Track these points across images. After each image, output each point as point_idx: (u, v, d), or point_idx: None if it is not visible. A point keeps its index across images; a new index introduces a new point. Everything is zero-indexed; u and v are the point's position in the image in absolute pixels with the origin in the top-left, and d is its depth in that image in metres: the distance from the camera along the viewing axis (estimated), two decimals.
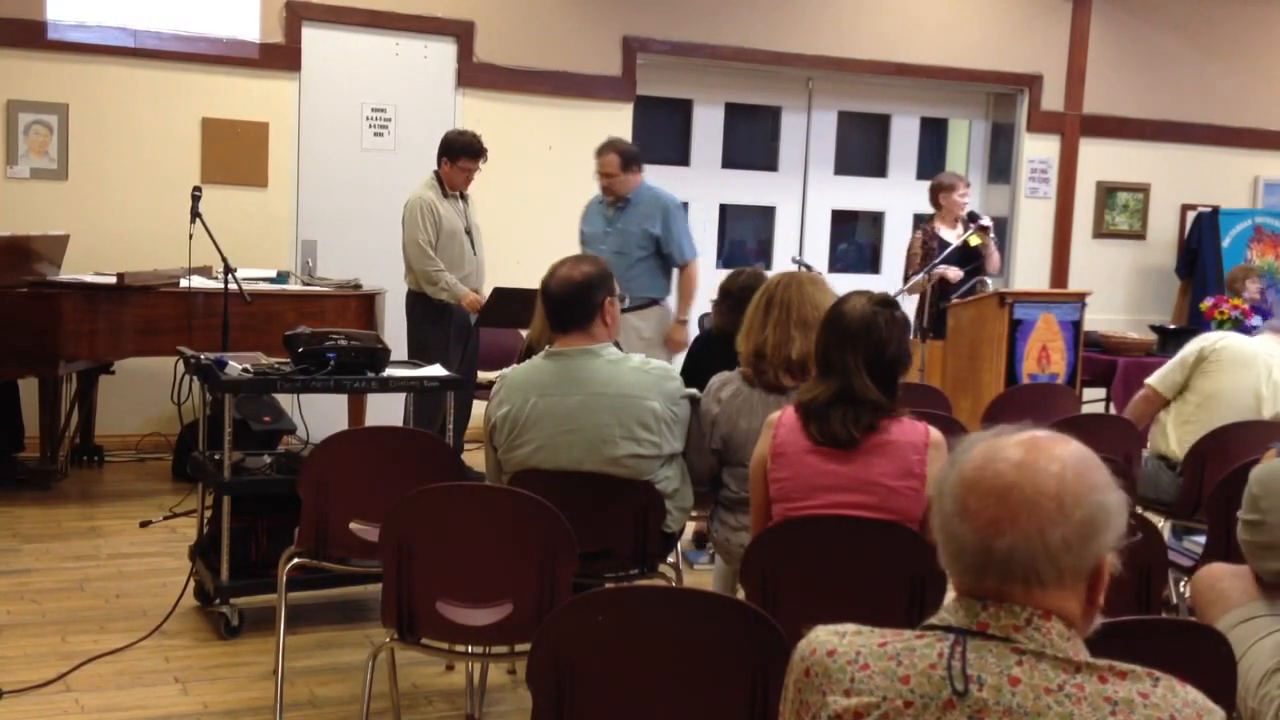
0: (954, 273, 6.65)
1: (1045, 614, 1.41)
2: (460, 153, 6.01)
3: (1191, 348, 4.70)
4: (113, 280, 5.63)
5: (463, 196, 6.17)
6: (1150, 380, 4.76)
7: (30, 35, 6.38)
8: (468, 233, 6.10)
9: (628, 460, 3.23)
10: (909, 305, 6.84)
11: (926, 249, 6.77)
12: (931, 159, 8.98)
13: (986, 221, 6.85)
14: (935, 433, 2.91)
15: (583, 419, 3.20)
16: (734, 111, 8.37)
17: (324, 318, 5.85)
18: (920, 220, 8.52)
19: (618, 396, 3.21)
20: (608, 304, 3.28)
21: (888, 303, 2.93)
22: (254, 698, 3.62)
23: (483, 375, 6.39)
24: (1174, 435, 4.61)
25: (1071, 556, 1.40)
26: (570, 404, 3.21)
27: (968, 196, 6.95)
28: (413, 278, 6.05)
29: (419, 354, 5.66)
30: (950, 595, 1.51)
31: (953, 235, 6.77)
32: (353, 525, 3.41)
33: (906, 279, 6.82)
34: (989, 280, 6.64)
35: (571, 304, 3.25)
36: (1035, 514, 1.39)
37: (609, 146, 6.11)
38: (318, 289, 6.21)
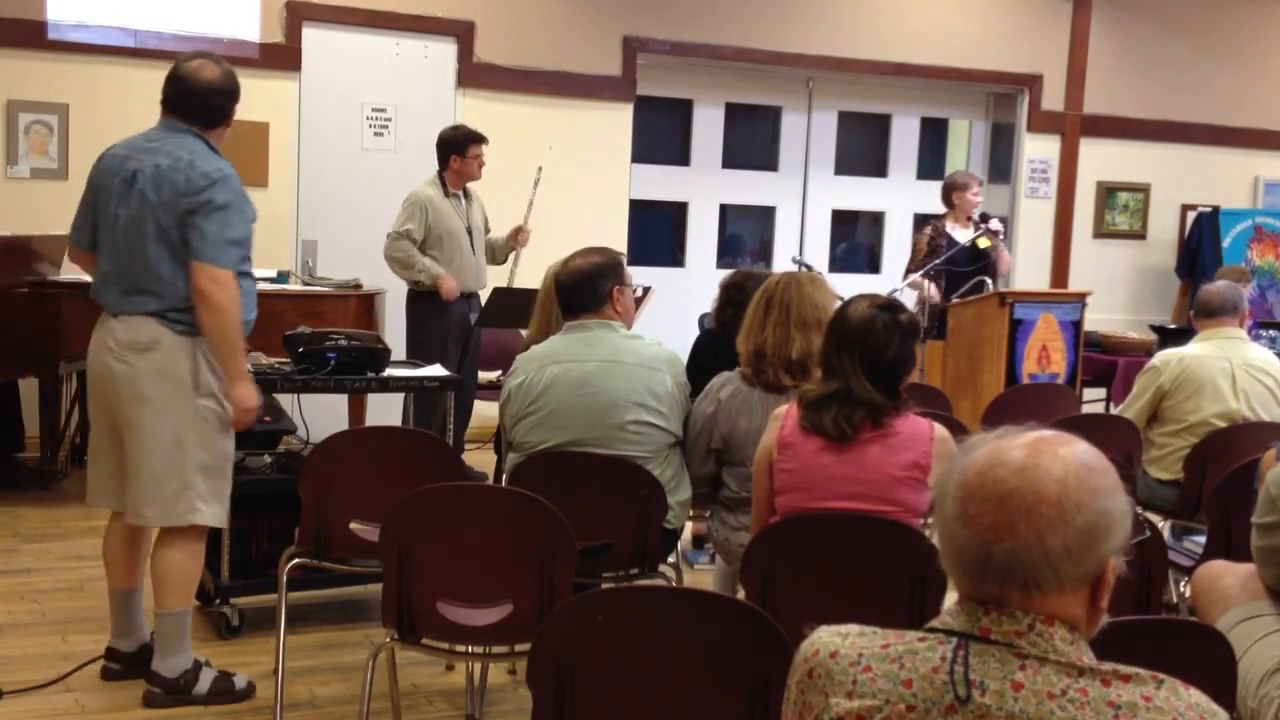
0: (932, 291, 6.64)
1: (1048, 619, 1.40)
2: (466, 142, 6.10)
3: (1148, 384, 4.62)
4: None
5: (466, 196, 6.21)
6: (1125, 415, 4.70)
7: (30, 35, 6.37)
8: (468, 232, 6.13)
9: (635, 427, 3.31)
10: (908, 302, 6.84)
11: (933, 246, 6.76)
12: (931, 159, 8.99)
13: (996, 225, 6.86)
14: (940, 427, 2.97)
15: (599, 382, 3.31)
16: (734, 111, 8.37)
17: (324, 318, 5.85)
18: (922, 220, 8.53)
19: (635, 365, 3.35)
20: (617, 292, 3.43)
21: (892, 307, 2.98)
22: (254, 697, 3.61)
23: (484, 375, 6.40)
24: (1166, 464, 4.59)
25: (1072, 563, 1.38)
26: (588, 369, 3.33)
27: (980, 195, 6.94)
28: (405, 273, 6.08)
29: (417, 353, 5.66)
30: (952, 597, 1.51)
31: (964, 235, 6.77)
32: (353, 525, 3.40)
33: (906, 275, 6.83)
34: (989, 280, 6.64)
35: (579, 291, 3.41)
36: (1034, 521, 1.38)
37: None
38: (318, 289, 6.21)
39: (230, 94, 3.57)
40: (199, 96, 3.51)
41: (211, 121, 3.54)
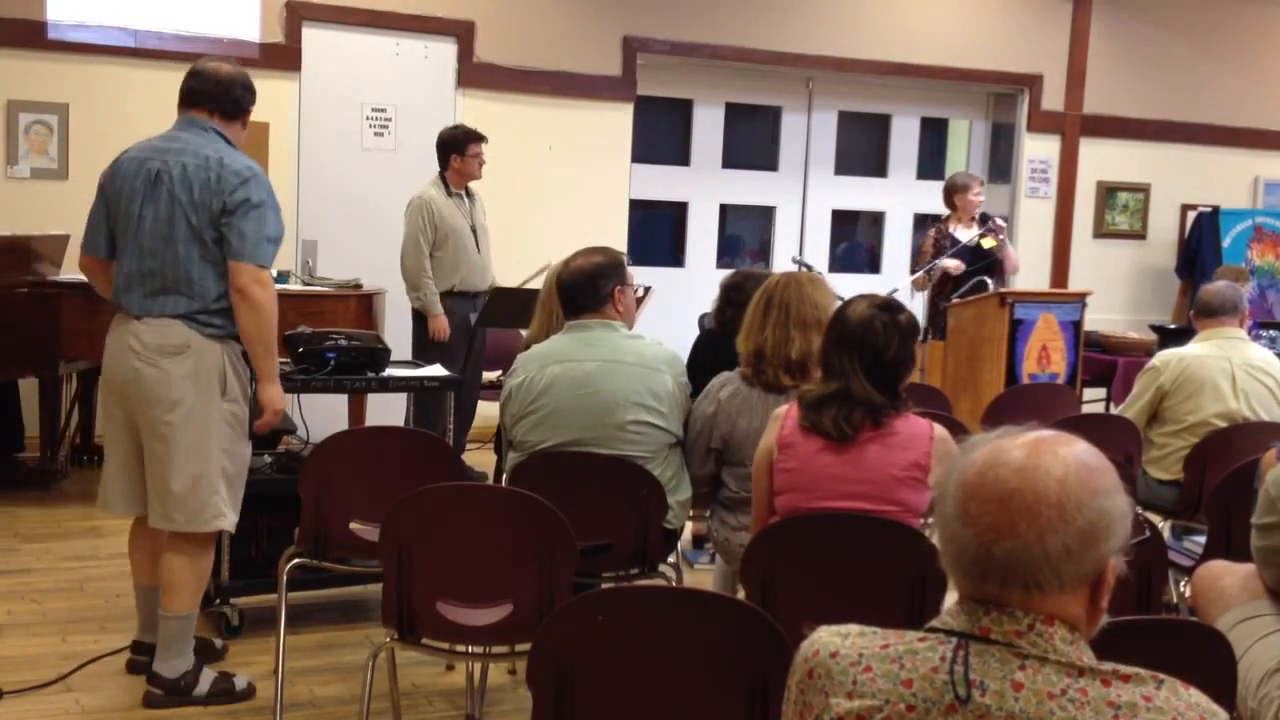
0: (954, 264, 6.65)
1: (1048, 619, 1.40)
2: (465, 141, 6.12)
3: (1148, 384, 4.62)
4: None
5: (469, 195, 6.22)
6: (1125, 415, 4.70)
7: (30, 35, 6.38)
8: (473, 231, 6.14)
9: (635, 427, 3.30)
10: (918, 303, 6.85)
11: (939, 247, 6.77)
12: (931, 159, 8.99)
13: (999, 223, 6.88)
14: (940, 428, 2.97)
15: (599, 382, 3.31)
16: (734, 111, 8.37)
17: (324, 318, 5.85)
18: (922, 220, 8.54)
19: (636, 365, 3.34)
20: (618, 292, 3.43)
21: (891, 307, 2.97)
22: (254, 698, 3.61)
23: (485, 375, 6.40)
24: (1166, 465, 4.58)
25: (1072, 563, 1.38)
26: (589, 369, 3.32)
27: (981, 196, 6.95)
28: (409, 290, 6.09)
29: (423, 354, 5.66)
30: (952, 597, 1.51)
31: (966, 235, 6.77)
32: (353, 525, 3.41)
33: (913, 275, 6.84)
34: (989, 280, 6.65)
35: (581, 290, 3.41)
36: (1035, 521, 1.38)
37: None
38: (318, 289, 6.21)
39: (249, 88, 3.59)
40: (222, 86, 3.51)
41: (231, 112, 3.54)
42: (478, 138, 6.14)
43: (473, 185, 6.27)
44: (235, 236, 3.35)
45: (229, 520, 3.49)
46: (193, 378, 3.39)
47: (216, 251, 3.38)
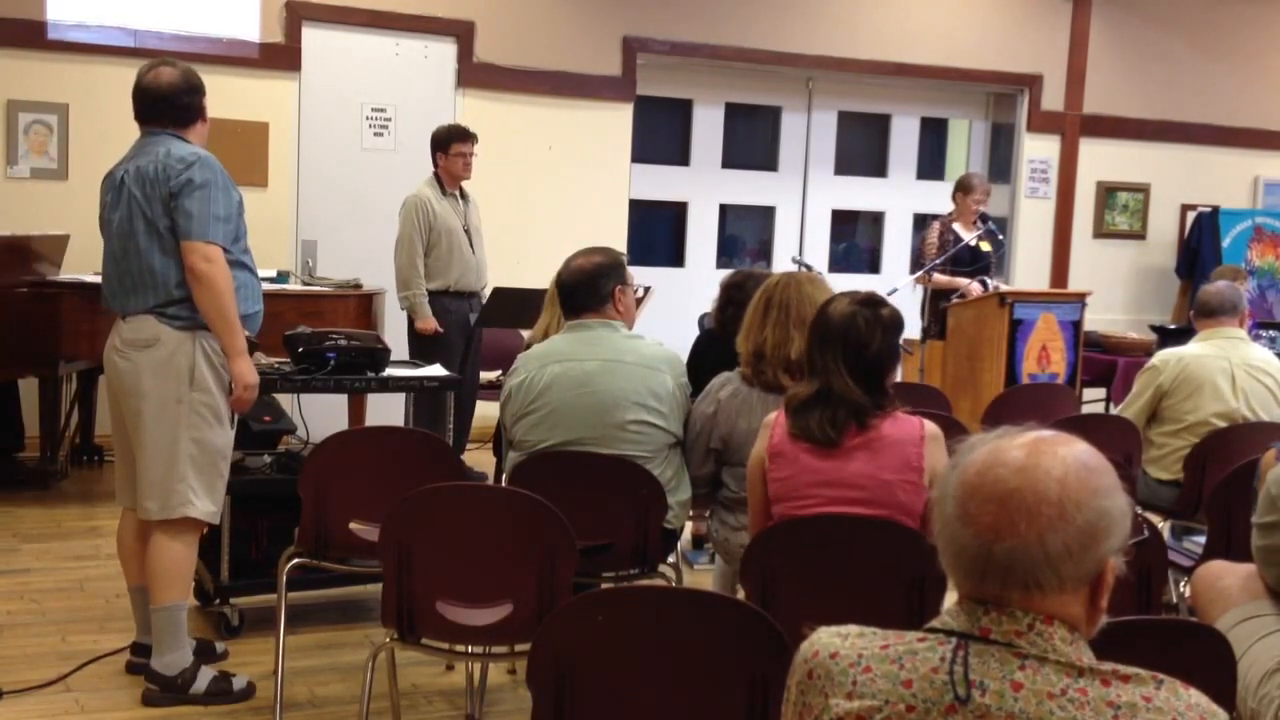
0: (962, 282, 6.66)
1: (1047, 619, 1.40)
2: (448, 140, 6.08)
3: (1147, 383, 4.62)
4: None
5: (463, 196, 6.20)
6: (1125, 414, 4.71)
7: (30, 35, 6.38)
8: (466, 232, 6.12)
9: (636, 427, 3.31)
10: (916, 300, 6.85)
11: (943, 241, 6.78)
12: (931, 159, 8.99)
13: (994, 227, 6.91)
14: (931, 425, 2.93)
15: (599, 381, 3.31)
16: (734, 111, 8.38)
17: (324, 318, 5.85)
18: (921, 220, 8.55)
19: (636, 365, 3.35)
20: (618, 292, 3.43)
21: (872, 302, 2.94)
22: (254, 698, 3.61)
23: (484, 375, 6.39)
24: (1166, 464, 4.58)
25: (1072, 563, 1.39)
26: (589, 368, 3.33)
27: (980, 205, 6.93)
28: (400, 289, 6.08)
29: (422, 354, 5.66)
30: (952, 598, 1.51)
31: (968, 236, 6.79)
32: (353, 525, 3.41)
33: (914, 270, 6.85)
34: (989, 280, 6.66)
35: (581, 290, 3.41)
36: (1035, 520, 1.38)
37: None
38: (318, 289, 6.21)
39: (193, 89, 3.61)
40: (164, 100, 3.57)
41: (183, 120, 3.59)
42: (463, 136, 6.08)
43: (466, 187, 6.25)
44: (182, 217, 3.42)
45: (198, 508, 3.51)
46: (159, 369, 3.46)
47: (173, 241, 3.45)
